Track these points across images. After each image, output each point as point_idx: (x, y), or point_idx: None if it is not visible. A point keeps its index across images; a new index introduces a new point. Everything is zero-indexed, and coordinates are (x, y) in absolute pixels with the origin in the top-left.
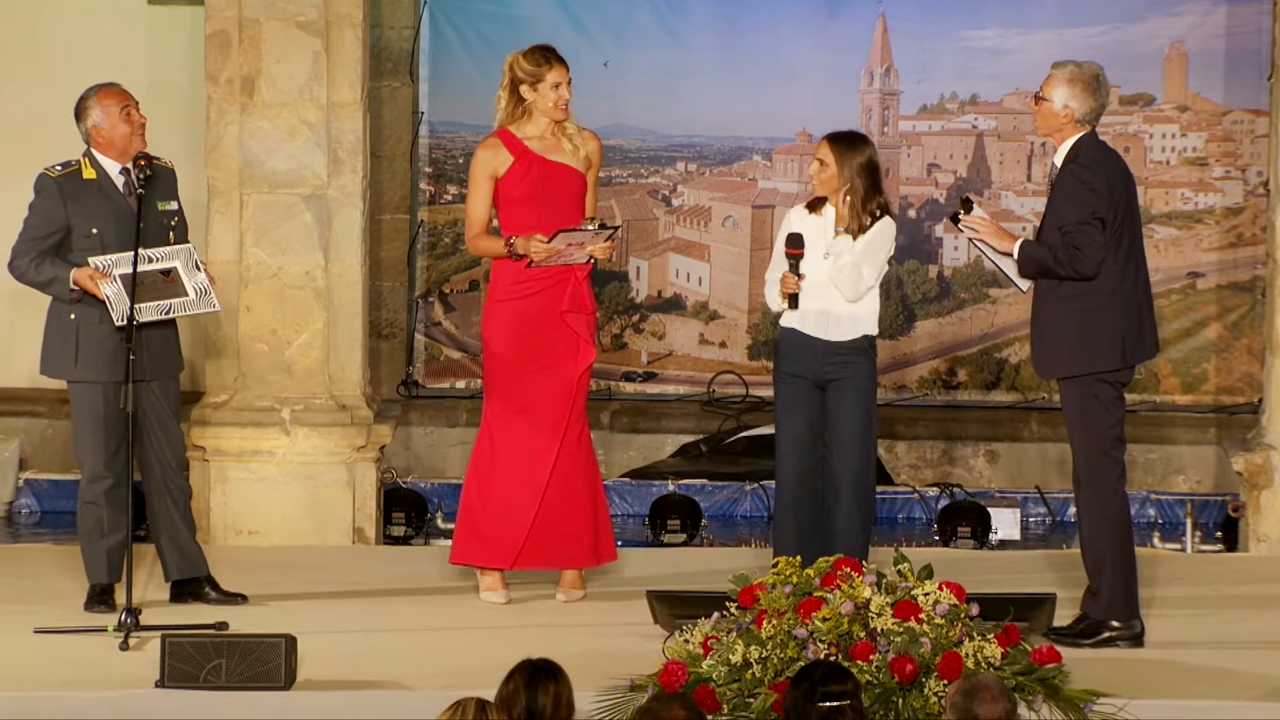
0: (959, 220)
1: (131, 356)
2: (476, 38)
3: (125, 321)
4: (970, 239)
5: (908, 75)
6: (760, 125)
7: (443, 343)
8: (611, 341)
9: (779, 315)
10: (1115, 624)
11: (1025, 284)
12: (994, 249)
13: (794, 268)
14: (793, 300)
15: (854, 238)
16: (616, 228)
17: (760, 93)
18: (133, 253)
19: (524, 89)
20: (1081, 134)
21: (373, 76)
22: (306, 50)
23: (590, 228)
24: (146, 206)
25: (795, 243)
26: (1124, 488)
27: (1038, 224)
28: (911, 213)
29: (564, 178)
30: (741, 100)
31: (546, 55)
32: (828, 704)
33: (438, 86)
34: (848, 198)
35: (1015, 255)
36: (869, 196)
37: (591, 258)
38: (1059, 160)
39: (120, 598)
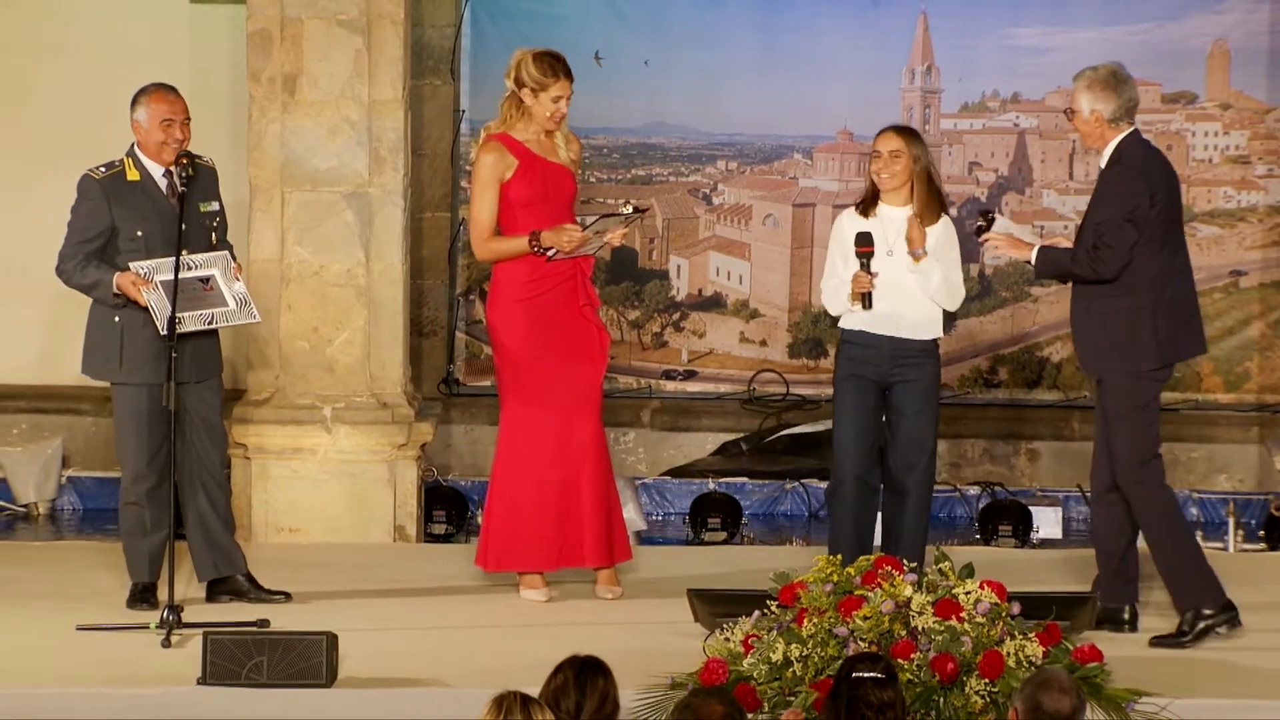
0: (981, 232)
1: (174, 354)
2: (518, 36)
3: (168, 329)
4: (992, 250)
5: (949, 73)
6: (801, 124)
7: (483, 340)
8: (652, 340)
9: (838, 318)
10: (1208, 611)
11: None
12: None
13: (865, 266)
14: (865, 299)
15: (937, 222)
16: (646, 209)
17: (801, 91)
18: (174, 258)
19: (525, 93)
20: (1123, 135)
21: (414, 75)
22: (348, 48)
23: (624, 210)
24: (188, 208)
25: (865, 241)
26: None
27: (1078, 222)
28: (953, 211)
29: (563, 179)
30: (782, 98)
31: (554, 66)
32: (862, 675)
33: (479, 85)
34: (917, 187)
35: (1033, 261)
36: (936, 185)
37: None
38: (1104, 163)
39: (162, 595)
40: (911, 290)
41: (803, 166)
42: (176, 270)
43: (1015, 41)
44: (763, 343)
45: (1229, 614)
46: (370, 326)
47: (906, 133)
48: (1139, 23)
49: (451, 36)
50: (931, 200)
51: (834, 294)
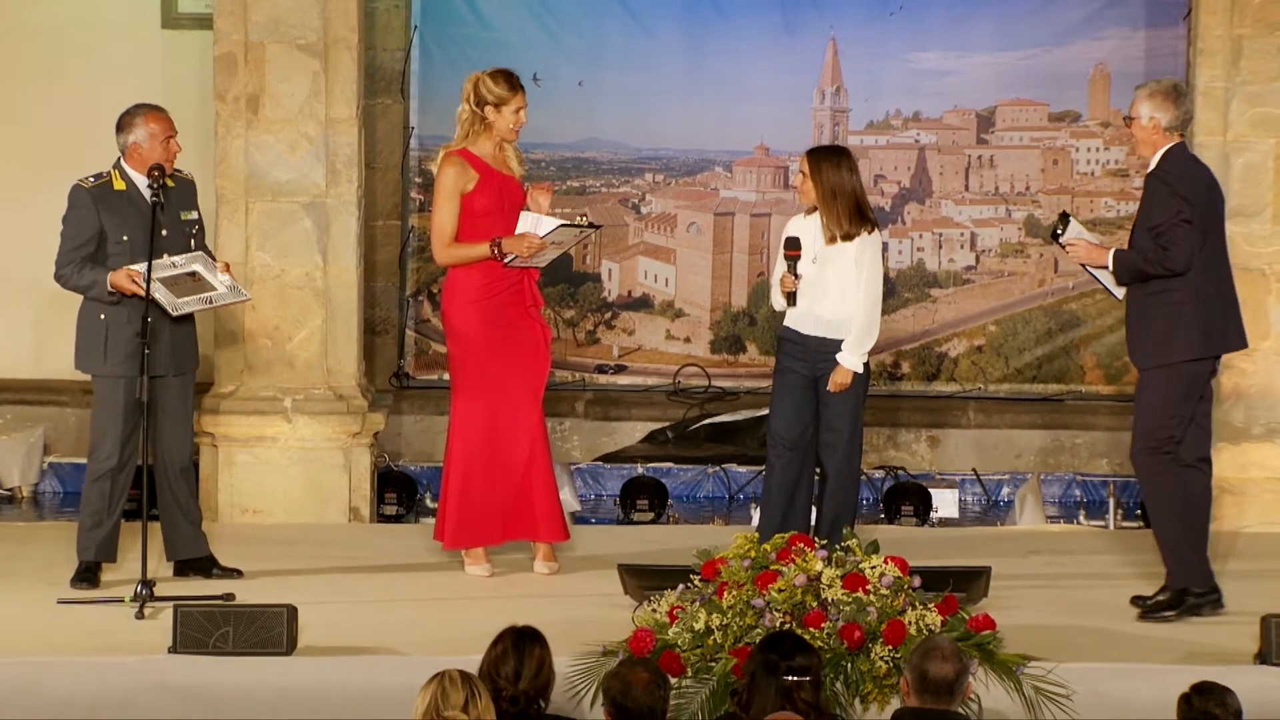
0: (1058, 238)
1: (147, 351)
2: (462, 59)
3: (177, 313)
4: (1070, 255)
5: (856, 94)
6: (722, 140)
7: (431, 338)
8: (586, 337)
9: (783, 313)
10: (1197, 590)
11: (1120, 292)
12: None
13: (792, 268)
14: (790, 298)
15: (837, 240)
16: (600, 226)
17: (722, 110)
18: (160, 260)
19: (487, 109)
20: (1171, 145)
21: (367, 94)
22: (306, 71)
23: (581, 223)
24: (170, 216)
25: (792, 245)
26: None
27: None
28: None
29: (515, 190)
30: (705, 117)
31: (511, 82)
32: (789, 678)
33: (427, 104)
34: (831, 205)
35: (1110, 265)
36: (847, 206)
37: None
38: (1151, 167)
39: (134, 572)
40: (829, 294)
41: (723, 179)
42: (149, 270)
43: (917, 65)
44: (687, 340)
45: (1214, 596)
46: (327, 325)
47: (817, 155)
48: (1029, 48)
49: (402, 60)
50: (842, 222)
51: (774, 289)
